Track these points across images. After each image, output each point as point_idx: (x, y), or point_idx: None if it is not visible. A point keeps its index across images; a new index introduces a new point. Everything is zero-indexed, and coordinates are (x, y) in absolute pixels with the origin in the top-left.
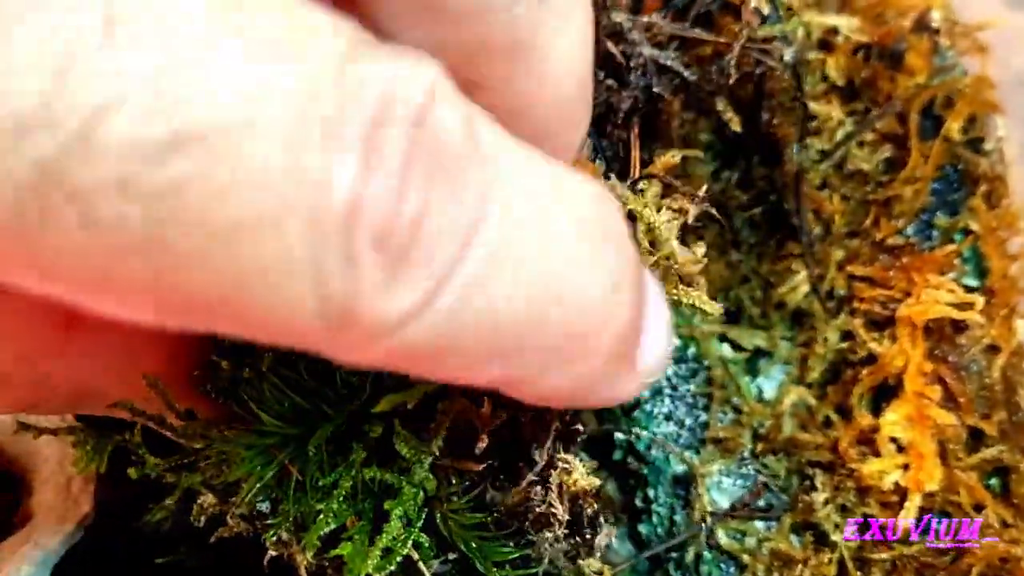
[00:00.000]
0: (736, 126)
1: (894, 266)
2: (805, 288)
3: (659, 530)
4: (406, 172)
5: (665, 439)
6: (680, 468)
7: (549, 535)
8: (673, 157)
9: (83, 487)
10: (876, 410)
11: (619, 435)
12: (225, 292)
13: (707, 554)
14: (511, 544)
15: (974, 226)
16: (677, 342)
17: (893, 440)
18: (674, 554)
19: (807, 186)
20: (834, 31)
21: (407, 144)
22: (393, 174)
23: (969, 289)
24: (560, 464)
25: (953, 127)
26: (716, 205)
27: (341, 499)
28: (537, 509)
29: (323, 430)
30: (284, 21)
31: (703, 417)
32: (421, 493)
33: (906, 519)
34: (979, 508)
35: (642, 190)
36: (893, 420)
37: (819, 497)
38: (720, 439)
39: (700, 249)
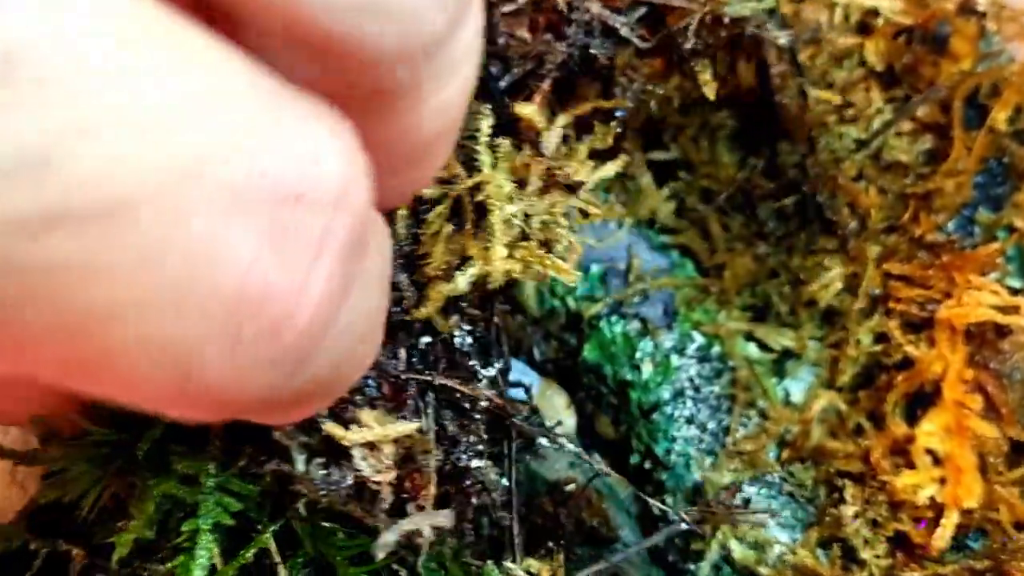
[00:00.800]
0: (711, 92)
1: (933, 264)
2: (838, 286)
3: (677, 540)
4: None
5: (686, 443)
6: (700, 475)
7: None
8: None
9: (28, 472)
10: (911, 419)
11: (636, 440)
12: (92, 368)
13: (726, 569)
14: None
15: (1019, 223)
16: (700, 340)
17: (929, 452)
18: (691, 565)
19: (842, 177)
20: (874, 13)
21: (319, 231)
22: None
23: (1013, 291)
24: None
25: (999, 117)
26: (742, 193)
27: (147, 513)
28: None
29: (149, 434)
30: (199, 79)
31: (727, 420)
32: (220, 509)
33: (942, 537)
34: (1020, 527)
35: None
36: (930, 430)
37: (848, 510)
38: (742, 449)
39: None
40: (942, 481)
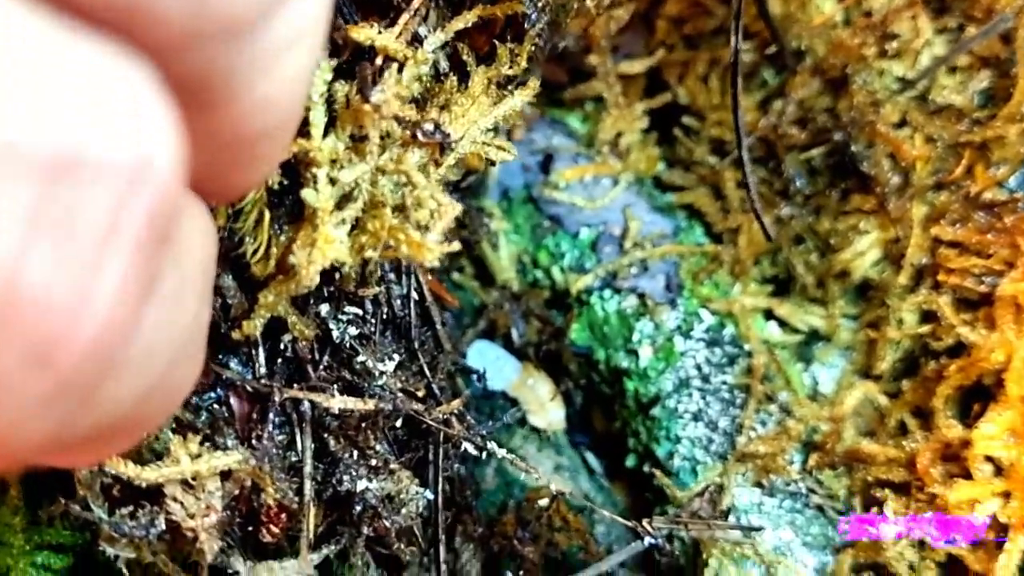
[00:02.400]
0: None
1: (993, 228)
2: (876, 253)
3: (682, 560)
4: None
5: (692, 445)
6: (709, 481)
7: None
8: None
9: None
10: (967, 417)
11: (633, 439)
12: None
13: None
14: None
15: None
16: (710, 320)
17: (989, 459)
18: None
19: (882, 123)
20: None
21: (108, 213)
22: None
23: None
24: None
25: None
26: (761, 144)
27: None
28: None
29: None
30: None
31: (741, 417)
32: None
33: (1006, 567)
34: None
35: None
36: (990, 433)
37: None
38: (758, 452)
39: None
40: (1005, 496)
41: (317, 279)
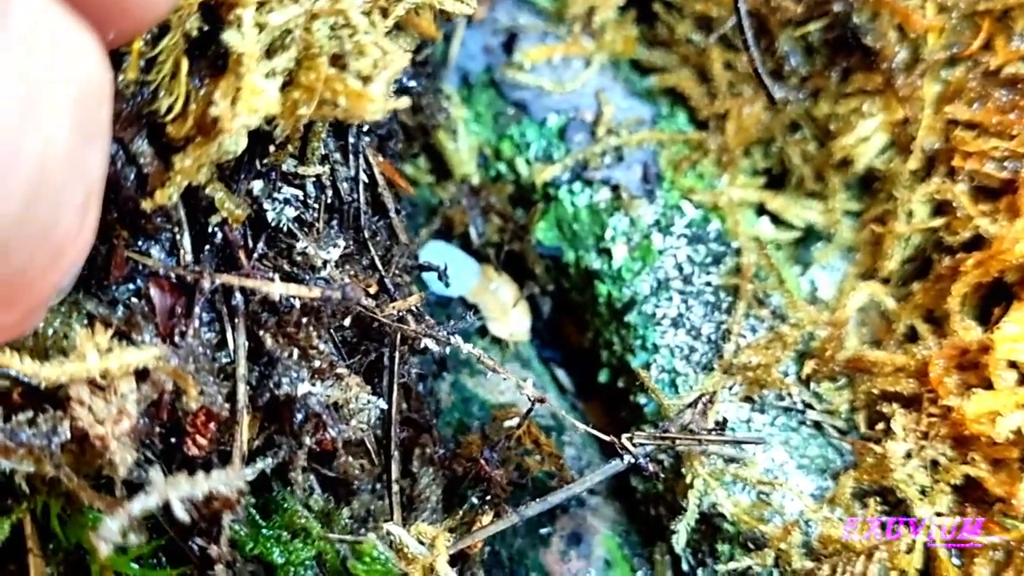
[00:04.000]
0: None
1: (1016, 107)
2: (881, 139)
3: (659, 486)
4: None
5: (672, 354)
6: (701, 391)
7: None
8: None
9: None
10: (986, 319)
11: (606, 351)
12: None
13: (721, 547)
14: None
15: None
16: (694, 214)
17: (1012, 366)
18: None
19: None
20: None
21: None
22: None
23: None
24: None
25: None
26: (755, 20)
27: None
28: None
29: None
30: None
31: (727, 322)
32: None
33: None
34: None
35: None
36: (1013, 335)
37: (897, 448)
38: (748, 362)
39: None
40: None
41: (244, 140)
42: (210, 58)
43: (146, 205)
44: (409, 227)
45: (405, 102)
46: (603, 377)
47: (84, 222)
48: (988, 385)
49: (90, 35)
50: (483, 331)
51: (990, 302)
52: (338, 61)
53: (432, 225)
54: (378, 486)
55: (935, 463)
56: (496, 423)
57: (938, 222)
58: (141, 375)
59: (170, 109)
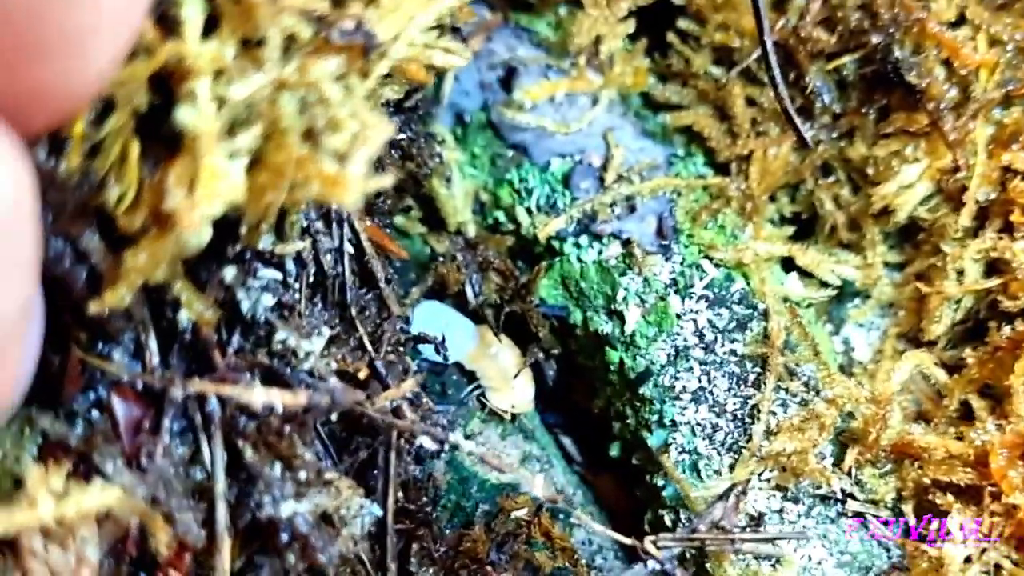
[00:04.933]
0: None
1: None
2: (926, 186)
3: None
4: None
5: (693, 433)
6: (717, 486)
7: None
8: None
9: None
10: None
11: (618, 423)
12: None
13: None
14: None
15: None
16: (715, 272)
17: None
18: None
19: (933, 21)
20: None
21: None
22: None
23: None
24: None
25: None
26: (782, 52)
27: None
28: None
29: None
30: None
31: (755, 397)
32: None
33: None
34: None
35: None
36: None
37: (956, 552)
38: (779, 448)
39: None
40: None
41: (207, 232)
42: (164, 139)
43: (93, 308)
44: (400, 287)
45: (389, 180)
46: (614, 451)
47: (9, 349)
48: None
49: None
50: (482, 400)
51: None
52: (311, 136)
53: (424, 283)
54: None
55: (998, 567)
56: (503, 515)
57: (994, 283)
58: (103, 515)
59: (121, 199)
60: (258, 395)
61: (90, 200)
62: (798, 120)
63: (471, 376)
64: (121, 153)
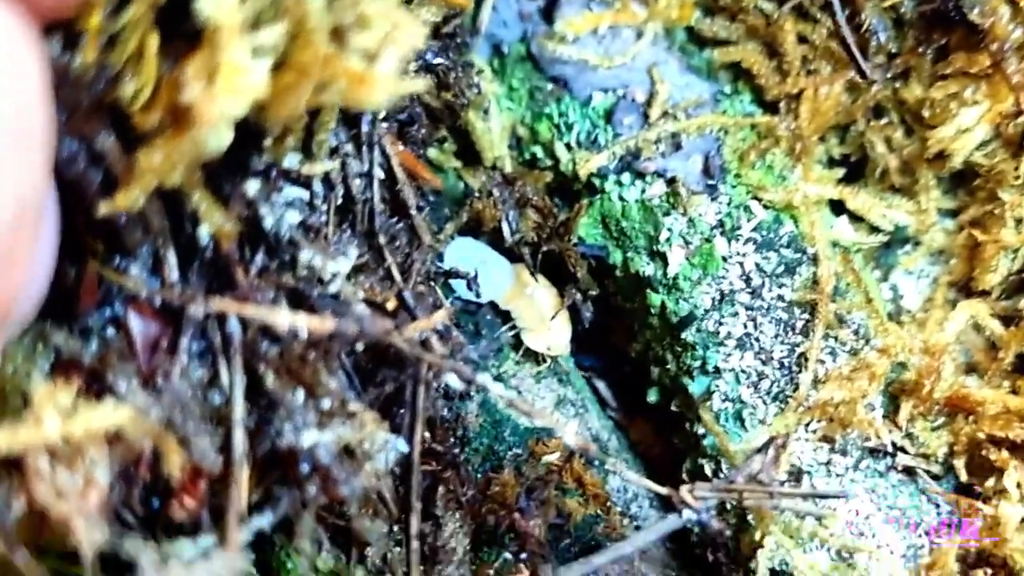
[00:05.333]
0: None
1: None
2: (985, 130)
3: (722, 538)
4: None
5: (737, 380)
6: (758, 436)
7: None
8: None
9: None
10: None
11: (657, 367)
12: None
13: None
14: None
15: None
16: (763, 215)
17: None
18: None
19: None
20: None
21: None
22: None
23: None
24: None
25: None
26: None
27: None
28: None
29: None
30: None
31: (804, 345)
32: None
33: None
34: None
35: None
36: None
37: (1012, 512)
38: (827, 397)
39: None
40: None
41: (228, 134)
42: (184, 32)
43: (104, 209)
44: (432, 223)
45: (422, 84)
46: (652, 397)
47: (20, 246)
48: None
49: (9, 10)
50: (516, 340)
51: None
52: (339, 35)
53: (459, 219)
54: (396, 527)
55: None
56: (533, 459)
57: None
58: (114, 436)
59: (137, 95)
60: (283, 318)
61: (105, 97)
62: (856, 50)
63: (506, 316)
64: (138, 47)
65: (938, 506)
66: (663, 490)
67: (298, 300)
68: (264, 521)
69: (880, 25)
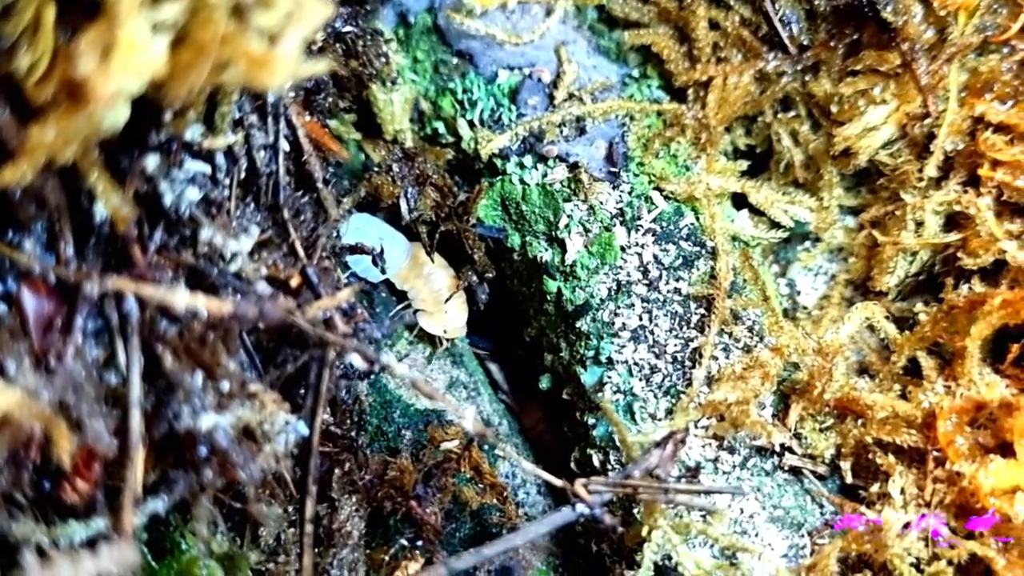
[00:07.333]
0: None
1: None
2: (891, 130)
3: (611, 533)
4: None
5: (629, 372)
6: (650, 430)
7: None
8: None
9: None
10: (998, 355)
11: (551, 354)
12: None
13: None
14: None
15: None
16: (664, 205)
17: None
18: (627, 573)
19: None
20: None
21: None
22: None
23: None
24: None
25: None
26: None
27: None
28: None
29: None
30: None
31: (699, 340)
32: None
33: None
34: None
35: None
36: None
37: (893, 514)
38: (720, 396)
39: None
40: None
41: (125, 111)
42: (82, 5)
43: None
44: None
45: (323, 66)
46: (544, 384)
47: None
48: (1007, 451)
49: None
50: (410, 320)
51: (1005, 337)
52: (239, 13)
53: (357, 193)
54: (291, 508)
55: (935, 535)
56: (431, 445)
57: (953, 238)
58: (2, 419)
59: (32, 68)
60: (181, 298)
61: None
62: (780, 26)
63: (401, 295)
64: (35, 17)
65: (822, 507)
66: (558, 482)
67: (198, 279)
68: (159, 504)
69: (793, 16)
